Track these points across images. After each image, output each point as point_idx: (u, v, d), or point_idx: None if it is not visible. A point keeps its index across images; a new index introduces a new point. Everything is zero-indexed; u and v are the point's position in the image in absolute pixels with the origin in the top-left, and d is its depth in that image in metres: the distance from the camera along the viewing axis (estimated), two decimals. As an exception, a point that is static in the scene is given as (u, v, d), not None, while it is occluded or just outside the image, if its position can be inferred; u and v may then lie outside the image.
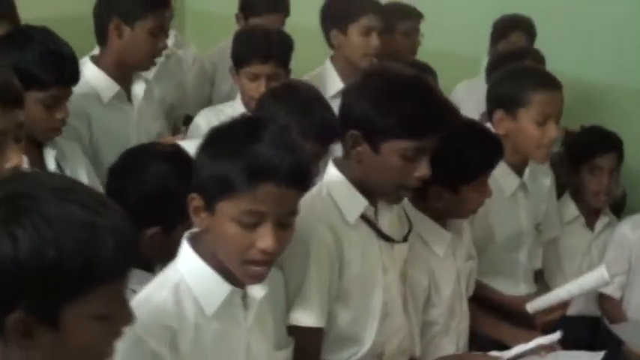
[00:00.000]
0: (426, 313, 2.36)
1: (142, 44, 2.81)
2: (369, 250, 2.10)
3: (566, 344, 2.41)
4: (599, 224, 3.24)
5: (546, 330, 2.47)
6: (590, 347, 2.56)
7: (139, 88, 2.92)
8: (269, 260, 1.69)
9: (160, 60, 3.13)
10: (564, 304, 2.52)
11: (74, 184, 1.36)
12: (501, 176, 2.63)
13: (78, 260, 1.24)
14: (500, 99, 2.63)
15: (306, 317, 2.00)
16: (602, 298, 3.17)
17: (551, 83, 2.61)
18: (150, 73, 3.09)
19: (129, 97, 2.90)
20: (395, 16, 3.73)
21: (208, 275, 1.71)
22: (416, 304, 2.31)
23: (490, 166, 2.35)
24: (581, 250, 3.20)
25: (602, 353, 2.37)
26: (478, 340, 2.53)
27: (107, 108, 2.80)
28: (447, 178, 2.24)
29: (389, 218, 2.15)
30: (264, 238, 1.64)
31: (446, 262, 2.37)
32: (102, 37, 2.86)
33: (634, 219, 3.17)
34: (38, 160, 2.35)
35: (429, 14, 3.83)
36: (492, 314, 2.60)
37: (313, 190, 2.09)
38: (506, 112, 2.60)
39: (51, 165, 2.40)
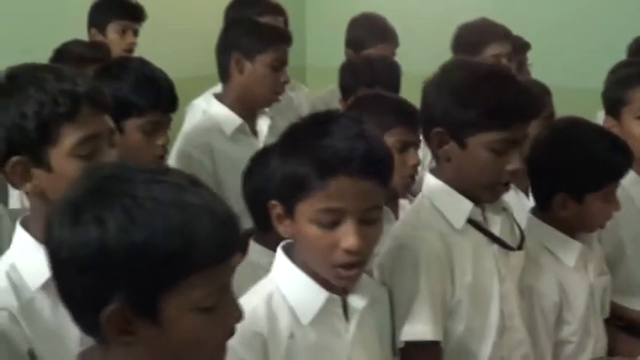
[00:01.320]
0: (558, 331, 2.21)
1: (263, 78, 2.87)
2: (482, 257, 1.96)
3: None
4: None
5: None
6: None
7: (263, 123, 2.97)
8: (358, 261, 1.60)
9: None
10: None
11: (167, 169, 1.30)
12: (630, 184, 2.50)
13: (170, 242, 1.14)
14: (607, 105, 2.57)
15: (420, 331, 1.83)
16: None
17: None
18: (273, 109, 3.12)
19: (254, 132, 2.94)
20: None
21: (303, 282, 1.65)
22: (547, 321, 2.17)
23: (619, 173, 2.21)
24: None
25: None
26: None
27: (231, 141, 2.86)
28: (572, 185, 2.15)
29: (499, 223, 2.01)
30: (347, 237, 1.56)
31: (577, 275, 2.22)
32: (224, 74, 2.94)
33: None
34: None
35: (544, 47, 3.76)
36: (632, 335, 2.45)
37: (414, 204, 2.05)
38: (613, 117, 2.53)
39: None
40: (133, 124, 2.29)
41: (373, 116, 2.23)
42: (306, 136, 1.62)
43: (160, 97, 2.33)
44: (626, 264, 2.55)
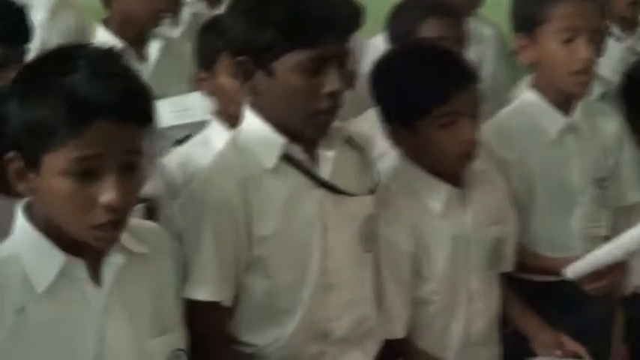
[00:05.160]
0: (416, 287, 1.92)
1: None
2: (298, 201, 1.73)
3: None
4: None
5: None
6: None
7: (153, 47, 2.94)
8: (118, 220, 1.42)
9: (185, 19, 3.42)
10: (616, 269, 1.96)
11: None
12: (541, 114, 2.18)
13: None
14: (520, 20, 2.20)
15: (199, 290, 1.66)
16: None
17: None
18: (174, 32, 3.23)
19: (142, 57, 2.92)
20: None
21: (39, 246, 1.45)
22: (397, 272, 1.89)
23: (443, 96, 1.88)
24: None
25: None
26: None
27: None
28: (396, 113, 1.94)
29: (336, 165, 1.76)
30: (106, 191, 1.38)
31: (441, 221, 1.92)
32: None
33: None
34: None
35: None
36: (523, 300, 2.11)
37: (226, 141, 1.85)
38: (527, 34, 2.16)
39: None
40: None
41: None
42: (50, 73, 1.41)
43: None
44: (537, 209, 2.17)
